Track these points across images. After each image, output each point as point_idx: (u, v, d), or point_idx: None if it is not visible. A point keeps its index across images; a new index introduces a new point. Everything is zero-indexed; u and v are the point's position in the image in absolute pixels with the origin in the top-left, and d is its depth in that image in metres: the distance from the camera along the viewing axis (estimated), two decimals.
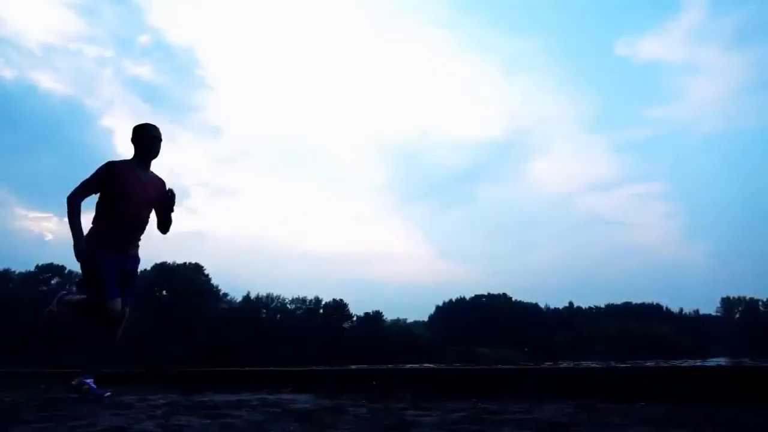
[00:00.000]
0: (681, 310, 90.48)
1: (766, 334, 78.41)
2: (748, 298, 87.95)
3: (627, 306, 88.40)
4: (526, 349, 74.09)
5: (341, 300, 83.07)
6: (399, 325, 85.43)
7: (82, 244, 3.18)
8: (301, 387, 3.00)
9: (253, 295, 78.80)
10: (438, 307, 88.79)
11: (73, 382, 3.29)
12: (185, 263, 68.52)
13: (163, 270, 66.26)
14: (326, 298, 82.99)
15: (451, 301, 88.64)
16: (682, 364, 2.76)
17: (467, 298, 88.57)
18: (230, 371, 3.46)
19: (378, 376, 2.86)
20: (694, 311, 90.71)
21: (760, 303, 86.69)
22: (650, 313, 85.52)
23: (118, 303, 3.18)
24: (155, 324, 54.52)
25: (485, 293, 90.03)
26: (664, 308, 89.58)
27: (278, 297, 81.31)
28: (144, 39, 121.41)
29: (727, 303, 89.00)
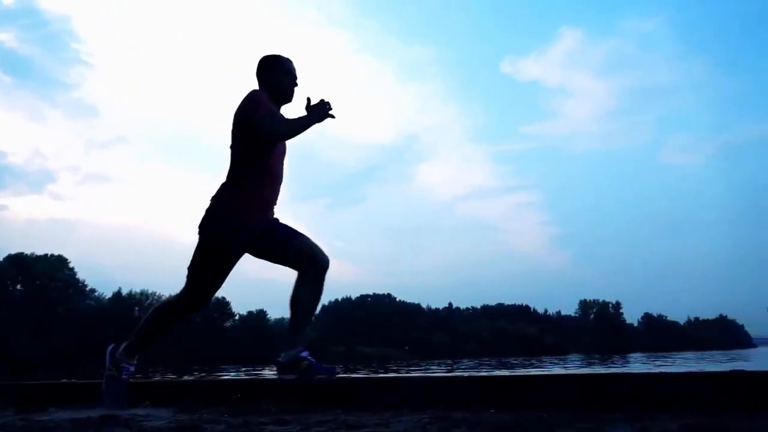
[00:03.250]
0: (546, 311, 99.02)
1: (614, 333, 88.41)
2: (601, 300, 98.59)
3: (500, 307, 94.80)
4: (406, 348, 76.58)
5: (223, 298, 79.83)
6: (284, 324, 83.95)
7: (310, 116, 2.38)
8: (161, 400, 2.83)
9: (125, 292, 73.15)
10: (323, 307, 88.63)
11: (281, 359, 2.40)
12: (46, 255, 61.75)
13: (18, 262, 59.17)
14: None
15: (336, 300, 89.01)
16: (530, 373, 3.02)
17: (353, 297, 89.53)
18: (80, 383, 3.16)
19: (243, 387, 2.79)
20: (556, 312, 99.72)
21: (610, 305, 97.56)
22: (520, 314, 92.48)
23: (201, 303, 2.58)
24: (7, 322, 48.60)
25: (371, 293, 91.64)
26: (532, 309, 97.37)
27: (154, 294, 76.26)
28: (8, 0, 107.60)
29: (584, 305, 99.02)
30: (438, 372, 12.42)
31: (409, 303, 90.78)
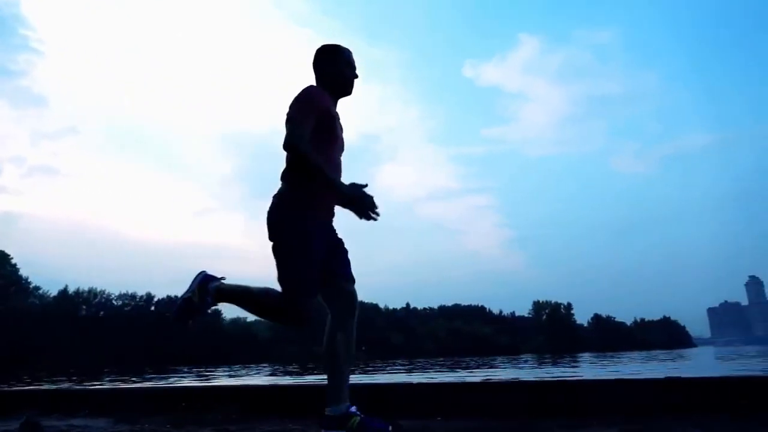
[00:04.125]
0: (500, 311, 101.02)
1: (565, 333, 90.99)
2: (553, 302, 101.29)
3: (456, 307, 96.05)
4: (363, 348, 76.58)
5: (176, 296, 77.54)
6: (239, 323, 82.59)
7: (349, 186, 2.09)
8: (100, 409, 2.73)
9: (71, 290, 70.37)
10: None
11: (328, 412, 2.15)
12: None
13: None
14: (159, 294, 77.32)
15: None
16: (475, 380, 3.05)
17: None
18: (14, 391, 3.01)
19: (188, 395, 2.72)
20: (511, 313, 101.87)
21: (562, 306, 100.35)
22: (475, 314, 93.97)
23: (312, 305, 2.19)
24: None
25: None
26: (487, 310, 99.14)
27: (102, 292, 73.73)
28: None
29: (537, 306, 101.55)
30: (397, 373, 12.48)
31: (367, 303, 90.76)
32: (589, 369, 11.54)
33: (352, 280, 2.33)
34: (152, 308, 75.57)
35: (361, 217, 2.09)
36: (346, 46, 2.38)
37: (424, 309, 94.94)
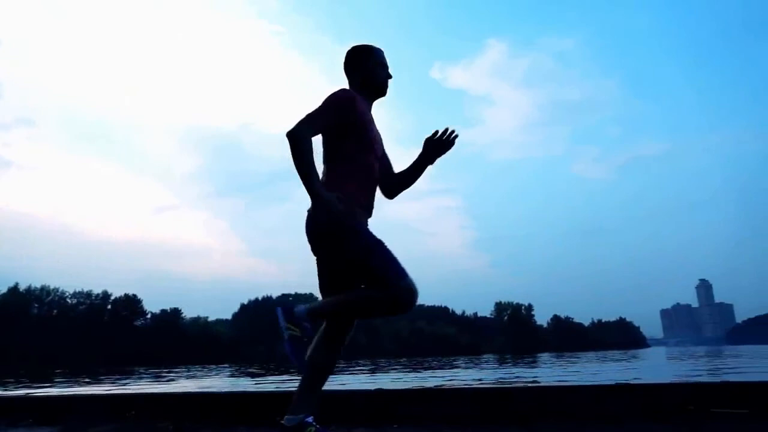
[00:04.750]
0: (463, 312, 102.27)
1: (526, 334, 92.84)
2: (515, 303, 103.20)
3: (420, 308, 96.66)
4: None
5: (134, 295, 75.93)
6: (199, 323, 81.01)
7: (335, 199, 2.01)
8: (46, 418, 2.63)
9: (23, 287, 67.57)
10: (243, 306, 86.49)
11: (285, 422, 2.04)
12: None
13: None
14: (116, 293, 75.18)
15: (256, 299, 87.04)
16: (431, 387, 3.06)
17: (274, 296, 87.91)
18: None
19: (138, 402, 2.64)
20: (473, 313, 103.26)
21: (523, 308, 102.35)
22: (439, 314, 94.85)
23: (413, 282, 2.04)
24: None
25: (292, 293, 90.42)
26: (450, 310, 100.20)
27: (56, 290, 71.15)
28: None
29: (499, 307, 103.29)
30: (360, 373, 12.46)
31: None
32: (547, 370, 11.79)
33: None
34: (108, 306, 73.34)
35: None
36: (379, 47, 2.34)
37: None
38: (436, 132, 2.29)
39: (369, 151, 2.17)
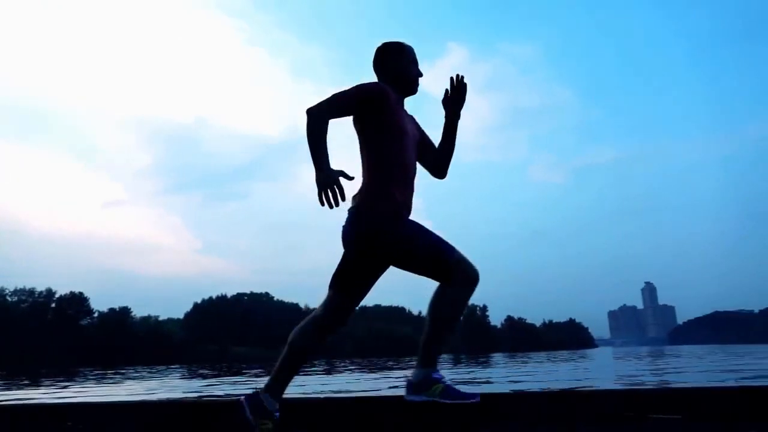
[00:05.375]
0: (420, 312, 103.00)
1: (480, 334, 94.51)
2: (470, 304, 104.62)
3: (377, 308, 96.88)
4: (282, 349, 75.19)
5: (80, 293, 72.95)
6: (150, 322, 78.54)
7: (335, 178, 1.96)
8: None
9: None
10: (196, 305, 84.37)
11: (412, 379, 2.14)
12: None
13: None
14: (61, 290, 71.95)
15: (211, 298, 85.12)
16: (376, 395, 3.04)
17: (229, 296, 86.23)
18: None
19: (76, 412, 2.51)
20: None
21: (478, 308, 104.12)
22: (395, 314, 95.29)
23: (350, 313, 2.18)
24: None
25: (248, 291, 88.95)
26: (407, 311, 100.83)
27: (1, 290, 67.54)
28: None
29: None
30: (315, 374, 12.37)
31: (288, 302, 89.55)
32: (500, 370, 12.03)
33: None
34: (52, 305, 70.16)
35: (318, 196, 1.99)
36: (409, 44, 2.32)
37: None
38: (447, 90, 2.32)
39: (404, 148, 2.16)
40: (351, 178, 2.00)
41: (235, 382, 9.71)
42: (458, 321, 2.13)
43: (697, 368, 9.65)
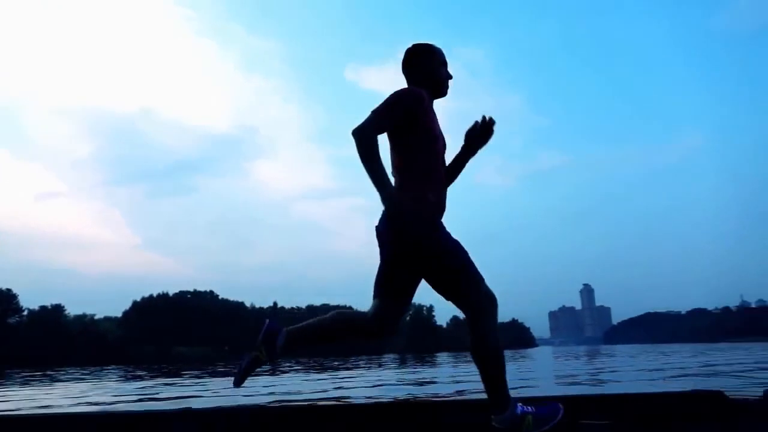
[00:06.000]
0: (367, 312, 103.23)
1: (426, 334, 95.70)
2: (417, 303, 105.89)
3: (325, 308, 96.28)
4: (226, 348, 73.56)
5: (8, 290, 68.70)
6: (84, 321, 74.88)
7: (408, 201, 1.94)
8: None
9: None
10: (135, 303, 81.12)
11: (496, 424, 1.97)
12: None
13: None
14: None
15: (151, 296, 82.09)
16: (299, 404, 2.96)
17: (171, 293, 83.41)
18: None
19: None
20: None
21: (425, 308, 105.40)
22: None
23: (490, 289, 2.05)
24: None
25: (191, 289, 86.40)
26: (355, 309, 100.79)
27: None
28: None
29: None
30: (260, 376, 12.14)
31: (233, 301, 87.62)
32: (446, 370, 12.23)
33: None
34: None
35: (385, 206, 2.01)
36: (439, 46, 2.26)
37: (292, 308, 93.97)
38: (477, 123, 2.25)
39: (436, 150, 2.13)
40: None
41: (171, 384, 9.41)
42: (500, 352, 2.05)
43: (629, 367, 10.16)
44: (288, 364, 22.14)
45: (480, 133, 2.24)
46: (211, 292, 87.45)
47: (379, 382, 8.36)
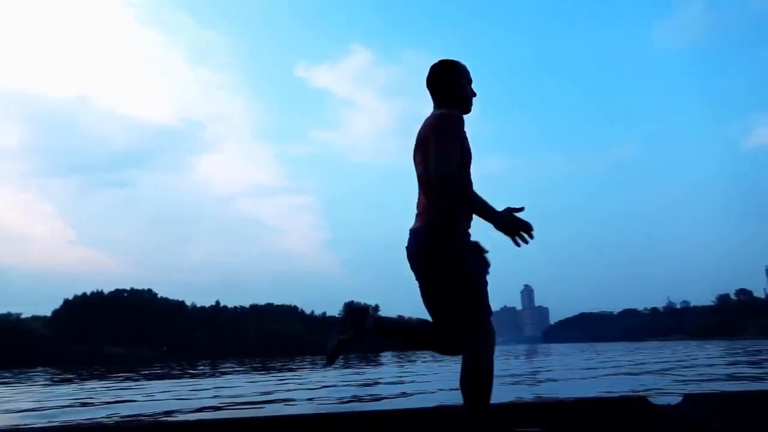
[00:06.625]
0: (312, 311, 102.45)
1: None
2: (363, 303, 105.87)
3: (269, 307, 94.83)
4: (164, 348, 71.04)
5: None
6: (9, 320, 70.38)
7: (513, 215, 1.90)
8: None
9: None
10: (67, 301, 77.02)
11: None
12: None
13: None
14: None
15: (84, 294, 78.23)
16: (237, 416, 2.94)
17: (106, 292, 79.80)
18: None
19: None
20: (322, 313, 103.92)
21: (370, 309, 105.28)
22: (287, 314, 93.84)
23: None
24: None
25: (128, 288, 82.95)
26: (299, 310, 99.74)
27: None
28: None
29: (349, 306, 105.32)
30: (202, 377, 11.85)
31: (173, 300, 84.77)
32: (389, 370, 12.35)
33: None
34: None
35: (512, 240, 1.95)
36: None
37: (235, 308, 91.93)
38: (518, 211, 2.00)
39: (469, 170, 2.12)
40: (521, 209, 1.96)
41: (106, 389, 9.04)
42: (489, 387, 1.95)
43: (563, 366, 10.62)
44: (229, 365, 21.68)
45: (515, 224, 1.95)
46: (150, 290, 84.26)
47: (324, 384, 8.36)
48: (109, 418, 4.50)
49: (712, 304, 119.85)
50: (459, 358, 2.07)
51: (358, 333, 2.08)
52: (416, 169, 2.15)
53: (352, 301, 2.27)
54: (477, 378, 1.94)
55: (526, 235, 1.91)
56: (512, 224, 1.89)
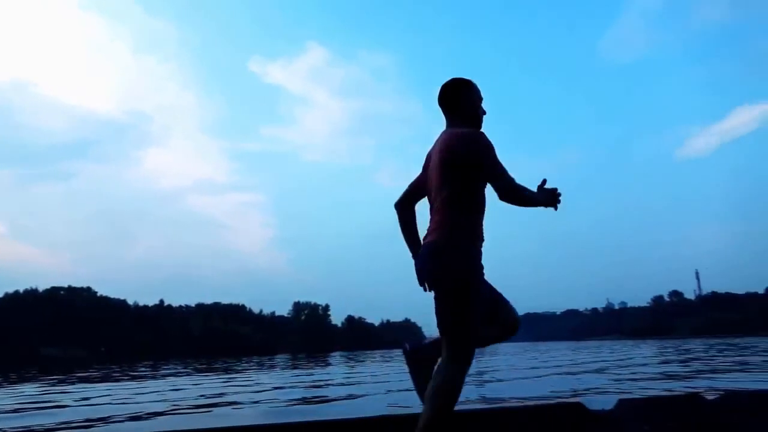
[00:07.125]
0: (261, 311, 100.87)
1: (320, 333, 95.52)
2: (313, 303, 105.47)
3: (216, 306, 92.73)
4: (102, 349, 68.10)
5: None
6: None
7: (542, 194, 2.17)
8: None
9: None
10: None
11: None
12: None
13: None
14: None
15: (17, 292, 73.98)
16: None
17: (41, 289, 75.79)
18: None
19: None
20: (271, 313, 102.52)
21: (320, 308, 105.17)
22: (235, 313, 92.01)
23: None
24: None
25: (65, 285, 79.05)
26: (247, 309, 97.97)
27: None
28: None
29: (297, 306, 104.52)
30: (143, 379, 11.41)
31: (113, 298, 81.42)
32: (338, 370, 12.32)
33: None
34: None
35: (555, 209, 2.22)
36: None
37: (180, 307, 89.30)
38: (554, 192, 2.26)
39: (485, 187, 2.23)
40: (545, 182, 2.21)
41: (32, 392, 8.58)
42: (451, 406, 2.04)
43: (509, 366, 10.90)
44: (173, 365, 21.01)
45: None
46: (89, 288, 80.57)
47: (274, 385, 8.25)
48: (41, 426, 4.27)
49: (648, 305, 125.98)
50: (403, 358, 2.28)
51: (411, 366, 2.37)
52: (431, 185, 2.24)
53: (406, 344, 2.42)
54: (443, 396, 2.02)
55: (559, 201, 2.20)
56: (553, 197, 2.17)
